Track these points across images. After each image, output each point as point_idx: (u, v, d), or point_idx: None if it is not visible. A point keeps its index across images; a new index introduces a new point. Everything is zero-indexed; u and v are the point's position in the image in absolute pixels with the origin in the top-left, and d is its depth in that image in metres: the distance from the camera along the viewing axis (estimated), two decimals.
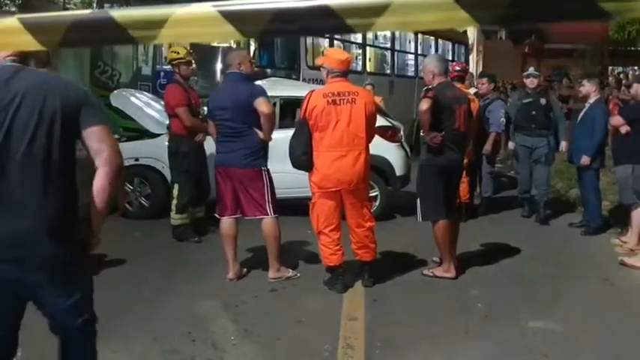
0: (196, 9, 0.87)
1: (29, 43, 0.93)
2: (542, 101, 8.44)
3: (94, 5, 13.52)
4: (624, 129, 6.99)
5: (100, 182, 2.72)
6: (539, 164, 8.37)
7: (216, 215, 6.03)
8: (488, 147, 8.54)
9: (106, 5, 10.88)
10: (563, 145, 8.49)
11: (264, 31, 0.86)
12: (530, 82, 8.60)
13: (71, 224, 2.73)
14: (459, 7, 0.75)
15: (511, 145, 8.86)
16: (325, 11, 0.80)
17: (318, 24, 0.85)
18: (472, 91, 9.06)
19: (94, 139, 2.68)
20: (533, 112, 8.40)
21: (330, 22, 0.82)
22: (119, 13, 0.89)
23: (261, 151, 5.77)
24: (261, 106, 5.57)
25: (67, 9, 15.49)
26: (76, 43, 0.97)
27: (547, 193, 8.50)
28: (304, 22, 0.83)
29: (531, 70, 8.97)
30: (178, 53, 7.29)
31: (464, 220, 7.25)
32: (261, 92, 5.72)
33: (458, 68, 8.48)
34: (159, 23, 0.86)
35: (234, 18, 0.86)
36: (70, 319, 2.81)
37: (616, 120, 7.24)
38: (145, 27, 0.87)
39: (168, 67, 7.98)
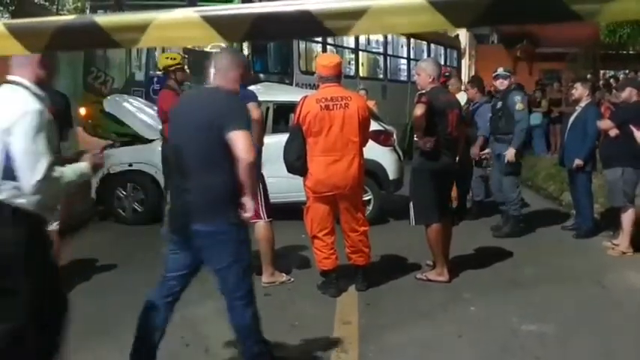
0: (179, 14, 0.88)
1: (14, 48, 0.94)
2: (498, 104, 7.86)
3: (87, 12, 13.51)
4: (613, 132, 7.03)
5: (240, 172, 3.49)
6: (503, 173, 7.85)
7: None
8: (475, 151, 8.50)
9: (99, 12, 10.88)
10: (508, 153, 7.59)
11: (245, 34, 0.88)
12: (500, 84, 7.95)
13: (226, 204, 3.57)
14: (435, 11, 0.77)
15: (472, 152, 8.27)
16: (305, 15, 0.82)
17: (298, 28, 0.87)
18: (463, 95, 9.03)
19: (232, 140, 3.48)
20: (492, 116, 7.96)
21: (310, 26, 0.83)
22: (102, 19, 0.90)
23: None
24: (250, 111, 5.57)
25: (60, 15, 15.46)
26: (61, 47, 0.98)
27: (514, 206, 7.83)
28: (285, 26, 0.84)
29: (500, 70, 8.14)
30: (175, 59, 7.30)
31: (456, 223, 7.26)
32: (251, 98, 5.70)
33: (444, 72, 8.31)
34: (142, 28, 0.87)
35: (216, 22, 0.87)
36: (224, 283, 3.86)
37: (605, 124, 7.28)
38: (128, 31, 0.88)
39: (161, 72, 7.98)
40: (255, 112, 5.61)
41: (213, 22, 0.86)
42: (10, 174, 2.90)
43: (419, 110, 5.78)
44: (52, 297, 3.19)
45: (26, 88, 3.08)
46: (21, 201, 2.94)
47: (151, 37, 0.87)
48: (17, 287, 2.95)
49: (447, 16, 0.76)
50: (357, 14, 0.79)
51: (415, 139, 6.16)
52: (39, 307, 3.05)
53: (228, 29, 0.87)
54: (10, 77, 3.10)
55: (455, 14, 0.76)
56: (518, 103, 7.68)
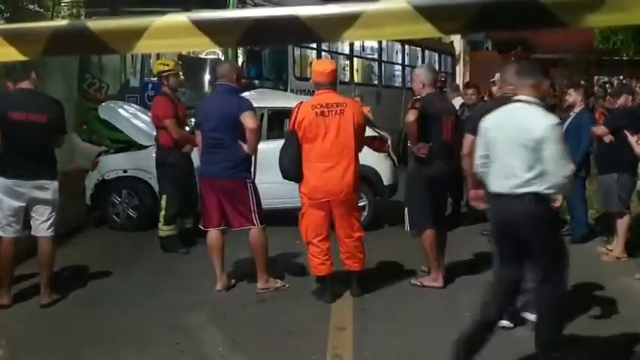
0: (171, 20, 0.89)
1: (10, 54, 0.94)
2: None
3: (83, 18, 13.49)
4: (608, 138, 7.05)
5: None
6: None
7: (201, 227, 6.04)
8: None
9: (93, 18, 10.86)
10: None
11: (238, 41, 0.88)
12: (497, 90, 7.73)
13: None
14: (424, 19, 0.78)
15: None
16: (297, 22, 0.82)
17: (290, 34, 0.87)
18: (457, 100, 9.06)
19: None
20: None
21: (302, 33, 0.84)
22: (95, 24, 0.91)
23: (245, 163, 5.79)
24: (248, 120, 5.60)
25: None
26: (57, 52, 0.99)
27: None
28: (277, 33, 0.85)
29: (497, 76, 7.85)
30: (167, 65, 7.30)
31: (451, 228, 7.25)
32: (249, 106, 5.74)
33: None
34: (134, 34, 0.88)
35: (208, 28, 0.88)
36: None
37: (600, 130, 7.30)
38: (121, 37, 0.89)
39: (156, 78, 7.97)
40: (252, 121, 5.64)
41: (205, 28, 0.87)
42: (543, 174, 3.89)
43: (411, 116, 5.79)
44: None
45: (538, 105, 4.03)
46: (547, 191, 3.93)
47: (143, 43, 0.88)
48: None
49: (435, 24, 0.78)
50: (348, 21, 0.80)
51: (409, 145, 6.16)
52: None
53: (222, 35, 0.88)
54: (520, 97, 4.11)
55: (442, 22, 0.77)
56: None
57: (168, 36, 0.89)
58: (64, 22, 0.94)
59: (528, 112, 4.05)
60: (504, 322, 4.79)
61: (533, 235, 4.05)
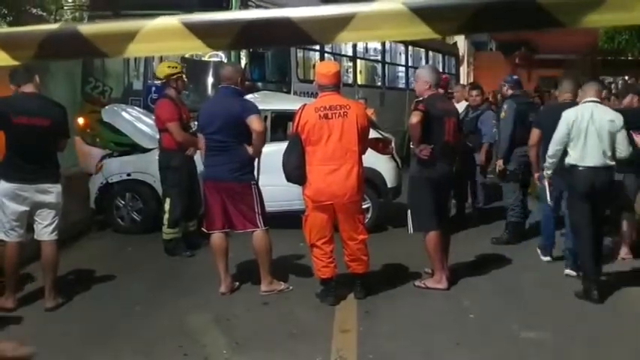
0: (163, 23, 0.88)
1: (1, 59, 0.94)
2: (502, 110, 7.90)
3: (86, 21, 13.51)
4: None
5: None
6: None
7: (204, 229, 6.03)
8: (482, 157, 8.49)
9: (96, 21, 10.86)
10: (497, 163, 7.83)
11: (230, 44, 0.87)
12: (505, 91, 8.21)
13: None
14: (420, 20, 0.77)
15: (478, 159, 8.58)
16: (289, 23, 0.81)
17: (283, 36, 0.86)
18: (463, 103, 9.05)
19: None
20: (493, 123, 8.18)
21: (294, 34, 0.83)
22: (85, 27, 0.90)
23: (250, 165, 5.78)
24: (254, 123, 5.58)
25: None
26: (47, 56, 0.98)
27: (515, 214, 7.81)
28: (270, 35, 0.84)
29: (510, 79, 8.40)
30: (176, 68, 7.32)
31: (458, 228, 7.24)
32: (255, 109, 5.73)
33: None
34: (125, 37, 0.87)
35: (200, 31, 0.87)
36: None
37: None
38: (111, 41, 0.88)
39: (158, 81, 7.97)
40: (258, 124, 5.63)
41: (197, 30, 0.86)
42: (613, 152, 5.60)
43: (414, 118, 5.78)
44: None
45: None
46: (614, 164, 5.64)
47: (135, 47, 0.87)
48: None
49: (430, 25, 0.76)
50: (341, 23, 0.79)
51: (412, 146, 6.15)
52: None
53: (214, 38, 0.87)
54: (592, 99, 5.75)
55: (438, 23, 0.76)
56: (502, 112, 7.69)
57: (159, 39, 0.88)
58: (54, 26, 0.94)
59: (604, 109, 5.78)
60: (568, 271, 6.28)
61: (609, 192, 5.71)
